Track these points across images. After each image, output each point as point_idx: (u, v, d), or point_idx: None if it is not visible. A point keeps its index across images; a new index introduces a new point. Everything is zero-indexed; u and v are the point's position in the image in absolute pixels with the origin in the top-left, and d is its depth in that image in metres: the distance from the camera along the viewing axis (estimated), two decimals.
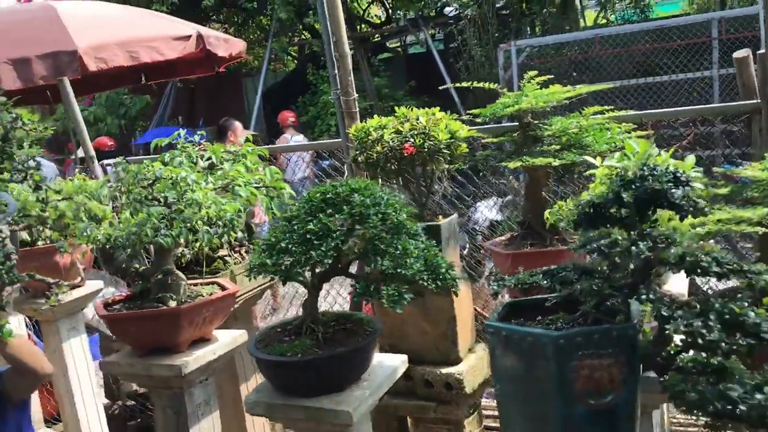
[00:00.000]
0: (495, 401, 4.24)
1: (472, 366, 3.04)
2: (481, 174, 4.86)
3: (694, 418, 3.61)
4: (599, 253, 1.27)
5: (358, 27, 14.72)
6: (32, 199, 1.65)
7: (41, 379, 1.95)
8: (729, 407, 1.14)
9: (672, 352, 1.36)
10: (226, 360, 2.65)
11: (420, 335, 3.05)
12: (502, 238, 3.24)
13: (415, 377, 3.02)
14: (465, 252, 4.91)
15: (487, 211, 5.12)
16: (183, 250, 2.93)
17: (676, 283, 2.24)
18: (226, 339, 2.59)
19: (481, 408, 3.37)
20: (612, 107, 3.10)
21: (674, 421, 3.80)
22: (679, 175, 1.31)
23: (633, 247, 1.24)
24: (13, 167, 1.59)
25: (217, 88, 15.62)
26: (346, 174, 4.16)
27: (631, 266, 1.36)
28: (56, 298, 1.63)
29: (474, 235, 5.13)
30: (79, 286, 3.42)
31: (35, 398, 3.98)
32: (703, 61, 8.31)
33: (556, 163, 2.80)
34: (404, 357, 2.28)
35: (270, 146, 5.88)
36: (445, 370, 2.97)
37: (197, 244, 2.86)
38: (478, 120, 3.19)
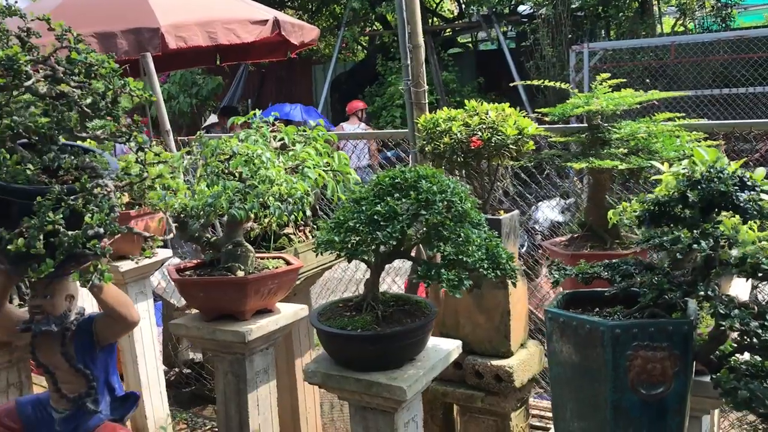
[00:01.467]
0: (542, 401, 4.26)
1: (523, 361, 3.08)
2: (545, 174, 4.86)
3: None
4: (661, 248, 1.31)
5: (430, 20, 14.73)
6: (132, 159, 1.79)
7: (130, 325, 2.11)
8: None
9: (725, 352, 1.39)
10: (286, 332, 2.77)
11: (473, 327, 3.10)
12: (562, 238, 3.26)
13: (466, 366, 3.08)
14: (523, 250, 4.93)
15: (549, 211, 5.12)
16: (252, 225, 3.06)
17: (737, 291, 2.24)
18: (288, 311, 2.70)
19: (529, 405, 3.40)
20: (683, 115, 3.09)
21: None
22: (745, 180, 1.34)
23: (695, 245, 1.28)
24: (117, 129, 1.72)
25: (287, 73, 15.90)
26: (410, 164, 4.23)
27: (692, 265, 1.39)
28: (151, 252, 1.75)
29: (534, 234, 5.14)
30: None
31: None
32: None
33: (623, 166, 2.81)
34: (458, 342, 2.35)
35: (339, 132, 6.01)
36: (495, 362, 3.02)
37: (266, 220, 2.99)
38: (547, 119, 3.22)
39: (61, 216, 1.61)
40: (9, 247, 1.60)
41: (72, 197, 1.64)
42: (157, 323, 4.34)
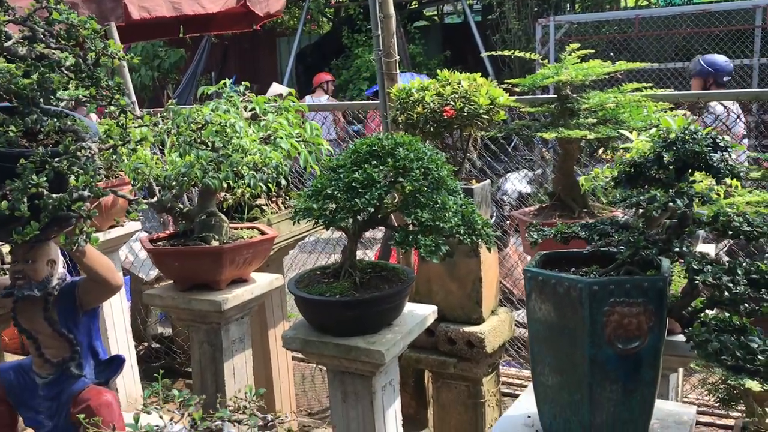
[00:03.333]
0: (509, 368, 4.36)
1: (494, 327, 3.14)
2: (512, 145, 4.92)
3: (705, 397, 3.67)
4: (638, 206, 1.35)
5: None
6: (113, 123, 1.77)
7: (114, 289, 2.10)
8: (749, 357, 1.22)
9: (697, 308, 1.45)
10: (260, 301, 2.78)
11: (445, 294, 3.15)
12: (531, 208, 3.31)
13: (438, 333, 3.14)
14: (492, 221, 4.99)
15: (517, 182, 5.18)
16: (225, 195, 3.05)
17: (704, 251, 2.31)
18: (263, 281, 2.71)
19: (500, 371, 3.48)
20: (651, 85, 3.14)
21: (685, 400, 3.89)
22: (718, 141, 1.39)
23: (670, 203, 1.32)
24: (97, 92, 1.70)
25: (250, 46, 15.67)
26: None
27: (666, 224, 1.44)
28: (137, 214, 1.74)
29: (502, 206, 5.20)
30: (119, 226, 3.56)
31: None
32: (744, 49, 8.21)
33: (592, 136, 2.85)
34: (434, 307, 2.39)
35: (311, 104, 5.97)
36: (467, 329, 3.07)
37: (239, 190, 2.98)
38: (516, 90, 3.25)
39: (45, 179, 1.59)
40: None
41: (56, 159, 1.62)
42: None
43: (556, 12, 10.42)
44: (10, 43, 1.64)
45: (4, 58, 1.68)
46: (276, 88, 9.29)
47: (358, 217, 2.15)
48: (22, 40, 1.68)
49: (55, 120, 1.70)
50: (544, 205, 3.19)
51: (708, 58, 5.56)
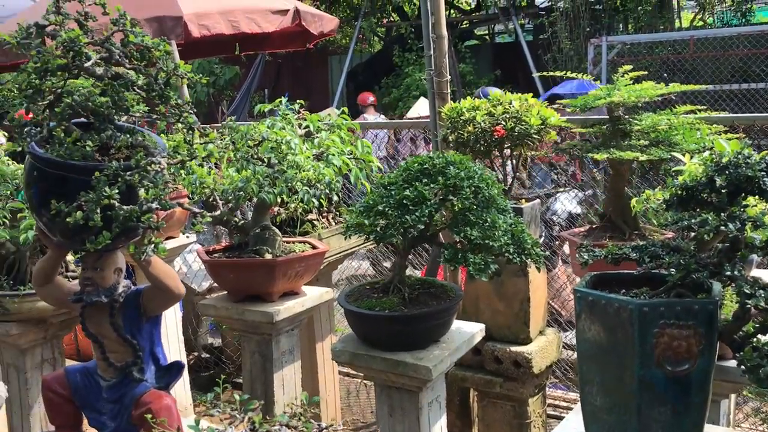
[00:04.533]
0: (556, 390, 4.32)
1: (542, 347, 3.13)
2: (564, 165, 4.90)
3: (759, 426, 3.59)
4: (689, 230, 1.36)
5: (448, 12, 14.73)
6: (181, 139, 1.86)
7: (177, 297, 2.19)
8: None
9: (748, 332, 1.44)
10: (310, 314, 2.84)
11: (493, 313, 3.15)
12: (581, 229, 3.30)
13: (485, 352, 3.14)
14: (541, 241, 4.97)
15: (567, 202, 5.16)
16: (279, 210, 3.13)
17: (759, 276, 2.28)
18: (314, 294, 2.77)
19: (546, 392, 3.45)
20: (705, 107, 3.11)
21: (737, 429, 3.80)
22: None
23: (722, 227, 1.33)
24: (167, 110, 1.80)
25: (303, 64, 15.93)
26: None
27: (718, 247, 1.44)
28: (201, 227, 1.82)
29: (551, 225, 5.18)
30: (175, 237, 3.68)
31: None
32: None
33: (644, 158, 2.84)
34: (482, 325, 2.41)
35: (364, 122, 6.05)
36: (514, 348, 3.07)
37: (293, 205, 3.06)
38: (568, 110, 3.25)
39: (117, 191, 1.69)
40: (68, 219, 1.68)
41: (128, 173, 1.72)
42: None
43: (609, 32, 10.35)
44: (89, 63, 1.75)
45: (83, 77, 1.80)
46: (329, 112, 9.44)
47: (408, 233, 2.19)
48: (99, 61, 1.79)
49: (128, 136, 1.80)
50: (594, 226, 3.18)
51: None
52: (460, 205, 2.11)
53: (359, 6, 14.11)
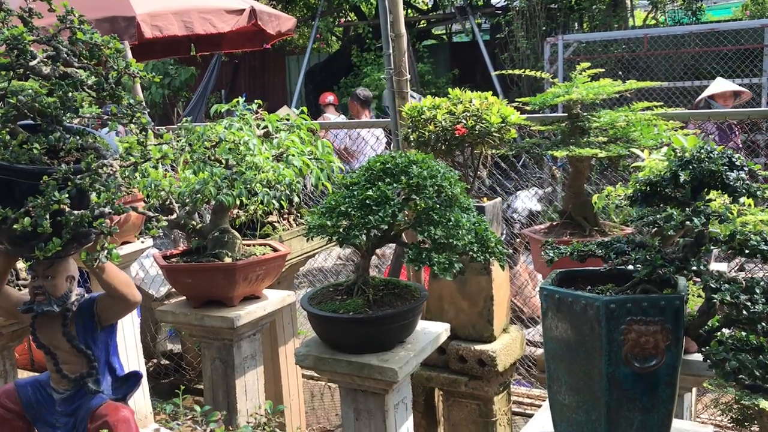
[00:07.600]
0: (520, 387, 4.33)
1: (506, 345, 3.13)
2: (522, 164, 4.93)
3: (718, 417, 3.65)
4: (654, 225, 1.36)
5: (405, 11, 14.74)
6: (134, 140, 1.79)
7: (132, 305, 2.11)
8: (767, 376, 1.22)
9: (713, 326, 1.45)
10: (272, 318, 2.79)
11: (457, 312, 3.14)
12: (542, 226, 3.31)
13: (449, 351, 3.13)
14: (502, 239, 4.99)
15: (527, 200, 5.19)
16: (238, 212, 3.07)
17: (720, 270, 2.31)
18: (275, 298, 2.72)
19: (510, 390, 3.46)
20: (661, 104, 3.15)
21: (699, 420, 3.86)
22: (734, 159, 1.40)
23: (687, 222, 1.33)
24: (118, 110, 1.72)
25: (260, 64, 15.80)
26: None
27: (681, 242, 1.45)
28: (157, 231, 1.76)
29: (512, 223, 5.21)
30: (131, 242, 3.58)
31: None
32: (753, 68, 8.23)
33: (603, 154, 2.86)
34: (447, 325, 2.39)
35: (324, 122, 6.00)
36: (479, 347, 3.07)
37: (252, 207, 3.00)
38: (527, 108, 3.26)
39: (67, 195, 1.62)
40: (15, 226, 1.60)
41: (78, 177, 1.64)
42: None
43: (564, 31, 10.47)
44: (35, 62, 1.67)
45: (29, 77, 1.71)
46: (285, 111, 9.33)
47: (372, 234, 2.16)
48: (46, 60, 1.71)
49: (77, 137, 1.72)
50: (554, 223, 3.19)
51: None
52: (423, 205, 2.09)
53: (316, 5, 14.02)
